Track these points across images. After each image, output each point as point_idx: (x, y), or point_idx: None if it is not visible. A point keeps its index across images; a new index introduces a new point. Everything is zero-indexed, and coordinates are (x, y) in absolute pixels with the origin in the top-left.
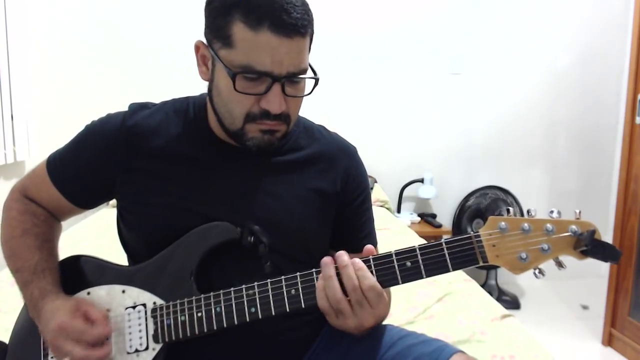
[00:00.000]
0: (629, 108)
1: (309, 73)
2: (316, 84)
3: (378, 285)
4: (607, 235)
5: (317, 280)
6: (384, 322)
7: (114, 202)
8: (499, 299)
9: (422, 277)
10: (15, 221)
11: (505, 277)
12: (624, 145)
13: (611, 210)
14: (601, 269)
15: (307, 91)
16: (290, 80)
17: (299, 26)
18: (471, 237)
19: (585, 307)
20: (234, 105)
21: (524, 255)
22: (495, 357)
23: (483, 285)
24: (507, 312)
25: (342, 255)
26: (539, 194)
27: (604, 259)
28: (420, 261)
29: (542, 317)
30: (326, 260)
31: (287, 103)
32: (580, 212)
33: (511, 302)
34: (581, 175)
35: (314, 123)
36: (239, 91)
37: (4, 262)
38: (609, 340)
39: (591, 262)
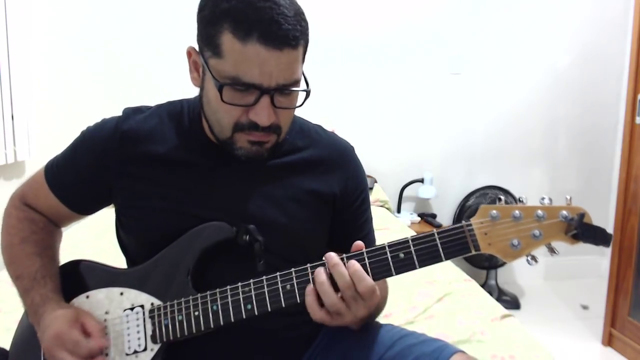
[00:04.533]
0: (629, 108)
1: (302, 84)
2: (307, 96)
3: (375, 286)
4: None
5: (312, 275)
6: (384, 322)
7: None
8: (499, 299)
9: (415, 268)
10: (14, 229)
11: (505, 277)
12: (624, 145)
13: (611, 210)
14: (601, 269)
15: (299, 102)
16: (281, 91)
17: (289, 38)
18: (463, 226)
19: (585, 307)
20: (222, 115)
21: (515, 242)
22: (495, 357)
23: (483, 285)
24: (507, 312)
25: (331, 255)
26: (539, 194)
27: (595, 242)
28: (413, 252)
29: (542, 317)
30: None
31: (278, 114)
32: (571, 198)
33: (511, 302)
34: (581, 175)
35: (310, 123)
36: (227, 102)
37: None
38: (609, 340)
39: (591, 262)
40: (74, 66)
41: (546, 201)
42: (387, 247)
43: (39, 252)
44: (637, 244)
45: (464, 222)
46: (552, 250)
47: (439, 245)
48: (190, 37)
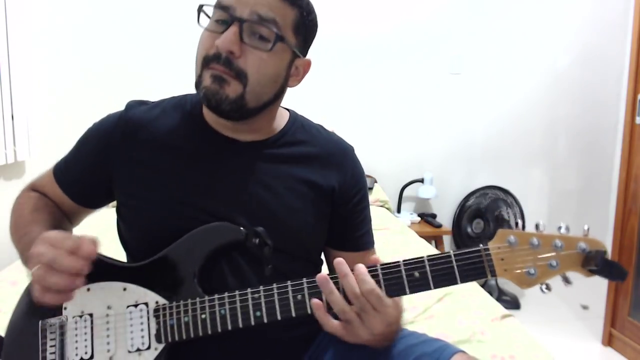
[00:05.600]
0: (629, 108)
1: (275, 30)
2: (277, 40)
3: (377, 289)
4: (607, 235)
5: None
6: None
7: (114, 202)
8: (499, 299)
9: (429, 289)
10: (26, 204)
11: None
12: (624, 145)
13: (611, 210)
14: None
15: (273, 53)
16: (252, 29)
17: None
18: (480, 251)
19: (585, 307)
20: (198, 50)
21: (532, 270)
22: (495, 357)
23: (483, 285)
24: (507, 312)
25: (342, 264)
26: (539, 194)
27: (611, 278)
28: (429, 272)
29: (542, 317)
30: (322, 277)
31: (246, 56)
32: (588, 229)
33: (511, 302)
34: (581, 175)
35: (312, 122)
36: (203, 26)
37: (4, 262)
38: (609, 340)
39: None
40: (74, 66)
41: (563, 230)
42: (402, 265)
43: (46, 218)
44: (637, 244)
45: (481, 246)
46: (566, 281)
47: (455, 267)
48: (190, 37)
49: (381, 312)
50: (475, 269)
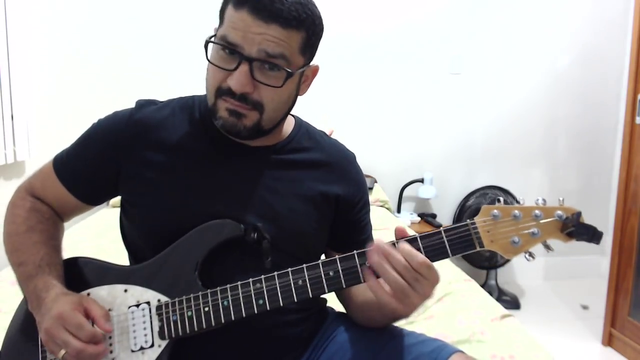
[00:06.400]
0: (629, 108)
1: (284, 64)
2: (287, 77)
3: (427, 260)
4: (607, 235)
5: (323, 271)
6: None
7: (114, 202)
8: (499, 299)
9: None
10: (21, 218)
11: (505, 277)
12: (624, 145)
13: (611, 210)
14: (601, 269)
15: (284, 85)
16: (262, 65)
17: (279, 16)
18: (467, 224)
19: (585, 307)
20: (209, 79)
21: (516, 239)
22: (495, 357)
23: (483, 285)
24: (507, 312)
25: (382, 245)
26: (539, 194)
27: (588, 239)
28: (422, 248)
29: (542, 317)
30: (374, 257)
31: (259, 89)
32: (563, 200)
33: (511, 302)
34: (581, 175)
35: (316, 128)
36: (211, 61)
37: (4, 262)
38: (609, 340)
39: (591, 262)
40: (73, 66)
41: (540, 202)
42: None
43: (43, 241)
44: (637, 244)
45: (468, 221)
46: (548, 247)
47: (446, 241)
48: (189, 38)
49: (430, 278)
50: (464, 241)
